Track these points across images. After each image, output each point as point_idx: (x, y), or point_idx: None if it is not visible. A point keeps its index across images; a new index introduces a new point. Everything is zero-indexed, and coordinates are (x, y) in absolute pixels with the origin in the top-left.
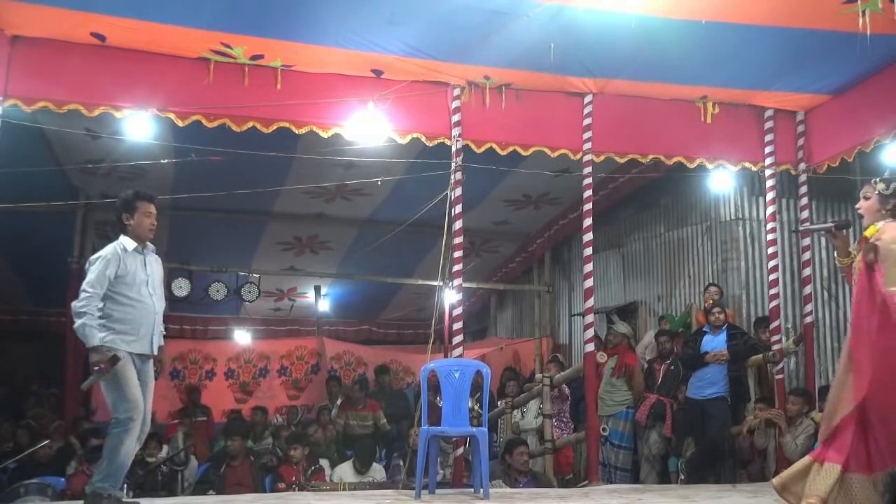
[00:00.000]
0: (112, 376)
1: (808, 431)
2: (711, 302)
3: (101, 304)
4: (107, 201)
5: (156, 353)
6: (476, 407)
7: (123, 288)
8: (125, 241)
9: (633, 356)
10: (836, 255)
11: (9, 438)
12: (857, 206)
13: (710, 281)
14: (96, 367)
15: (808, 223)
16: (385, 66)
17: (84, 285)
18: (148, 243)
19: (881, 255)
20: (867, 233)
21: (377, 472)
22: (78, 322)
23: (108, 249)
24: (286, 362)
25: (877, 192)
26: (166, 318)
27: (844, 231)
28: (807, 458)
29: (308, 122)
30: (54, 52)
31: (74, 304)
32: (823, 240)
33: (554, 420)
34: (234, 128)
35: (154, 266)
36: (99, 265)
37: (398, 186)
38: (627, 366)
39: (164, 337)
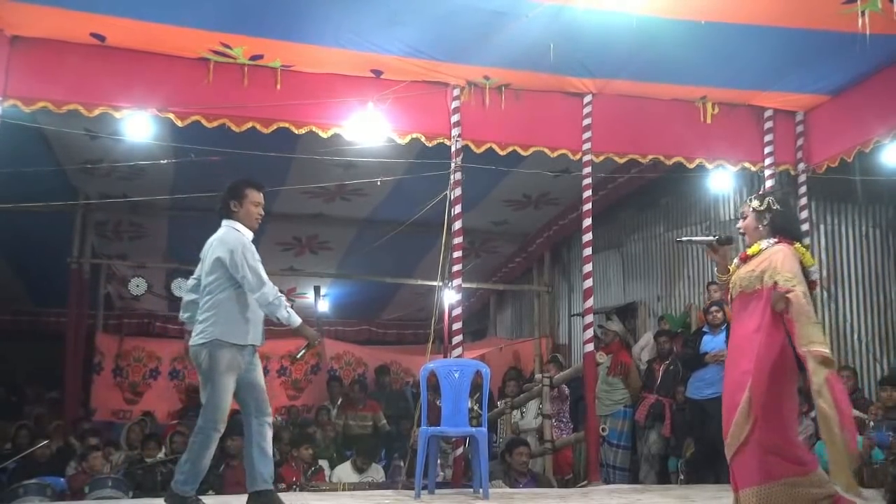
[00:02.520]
0: (212, 381)
1: (808, 431)
2: (715, 298)
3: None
4: (106, 201)
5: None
6: (475, 407)
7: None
8: (241, 228)
9: (627, 354)
10: (715, 269)
11: (8, 438)
12: (738, 225)
13: (710, 281)
14: (317, 343)
15: (691, 235)
16: (385, 66)
17: (256, 275)
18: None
19: (794, 312)
20: (750, 251)
21: (377, 472)
22: (279, 312)
23: (237, 238)
24: (286, 362)
25: (752, 209)
26: (166, 318)
27: (725, 246)
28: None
29: (307, 122)
30: (54, 53)
31: (263, 294)
32: (823, 239)
33: (554, 420)
34: (234, 128)
35: None
36: (248, 251)
37: (398, 187)
38: (623, 364)
39: (165, 337)
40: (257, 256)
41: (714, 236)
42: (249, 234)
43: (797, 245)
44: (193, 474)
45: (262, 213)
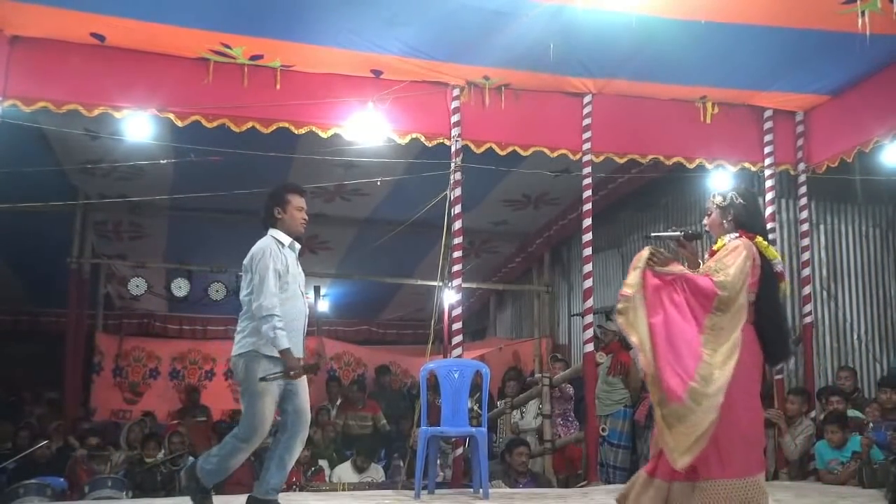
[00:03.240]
0: (249, 393)
1: (808, 432)
2: None
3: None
4: (106, 201)
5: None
6: (475, 407)
7: (283, 284)
8: (278, 235)
9: (626, 354)
10: (685, 264)
11: (8, 439)
12: (703, 222)
13: None
14: (291, 373)
15: (660, 230)
16: (385, 66)
17: (264, 287)
18: (295, 242)
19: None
20: (716, 246)
21: (377, 472)
22: (266, 325)
23: (266, 244)
24: None
25: (716, 205)
26: (166, 318)
27: (694, 242)
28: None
29: (307, 122)
30: (54, 53)
31: (260, 307)
32: (823, 239)
33: (559, 420)
34: (234, 128)
35: (298, 265)
36: (268, 262)
37: (398, 187)
38: (622, 364)
39: (165, 337)
40: (277, 265)
41: (681, 231)
42: (287, 240)
43: (759, 239)
44: (217, 471)
45: (307, 217)
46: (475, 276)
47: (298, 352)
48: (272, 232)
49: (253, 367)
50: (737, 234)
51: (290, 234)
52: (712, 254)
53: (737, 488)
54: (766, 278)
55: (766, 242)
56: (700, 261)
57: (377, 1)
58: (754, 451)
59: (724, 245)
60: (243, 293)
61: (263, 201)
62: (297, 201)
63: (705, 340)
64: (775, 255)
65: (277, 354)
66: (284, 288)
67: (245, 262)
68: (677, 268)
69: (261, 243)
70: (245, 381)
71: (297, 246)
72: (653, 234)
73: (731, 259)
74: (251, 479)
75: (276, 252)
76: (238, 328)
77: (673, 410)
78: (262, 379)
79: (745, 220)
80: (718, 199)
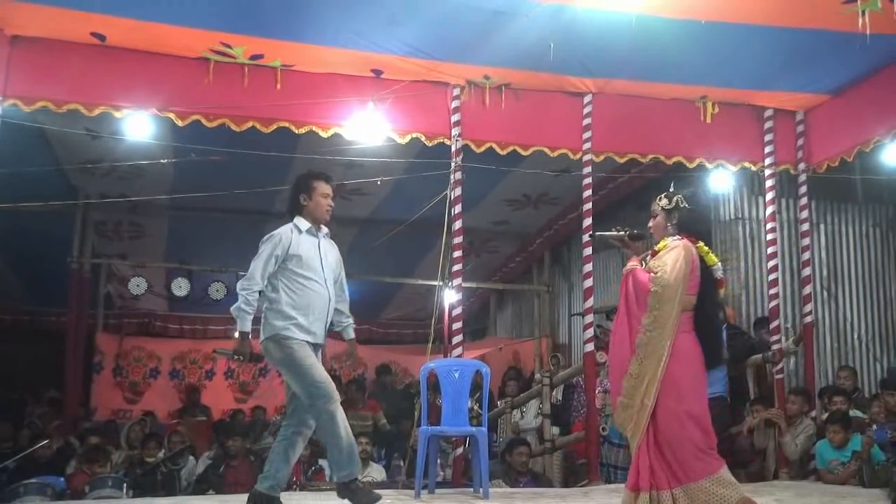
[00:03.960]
0: (291, 363)
1: (808, 431)
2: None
3: (261, 287)
4: (107, 201)
5: (323, 342)
6: (476, 407)
7: (297, 269)
8: (299, 221)
9: None
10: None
11: (8, 438)
12: (648, 224)
13: None
14: (237, 357)
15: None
16: (385, 65)
17: (252, 267)
18: (324, 227)
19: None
20: (658, 247)
21: (377, 471)
22: (236, 304)
23: (279, 230)
24: None
25: (661, 208)
26: (166, 318)
27: (637, 242)
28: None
29: (308, 121)
30: (54, 52)
31: (238, 284)
32: (823, 239)
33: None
34: (234, 128)
35: (329, 251)
36: (267, 246)
37: (398, 186)
38: None
39: (165, 337)
40: (277, 251)
41: (626, 231)
42: (306, 225)
43: (700, 244)
44: (344, 458)
45: (332, 204)
46: (475, 276)
47: (319, 338)
48: (295, 219)
49: (286, 345)
50: (679, 237)
51: (314, 221)
52: (654, 254)
53: (700, 490)
54: (706, 283)
55: (706, 248)
56: (643, 262)
57: (377, 1)
58: (708, 454)
59: (666, 246)
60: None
61: (289, 190)
62: (323, 188)
63: (634, 359)
64: (714, 260)
65: (306, 339)
66: (297, 272)
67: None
68: (631, 263)
69: (278, 229)
70: (283, 359)
71: (325, 230)
72: (597, 234)
73: (668, 257)
74: (251, 479)
75: (285, 237)
76: (263, 312)
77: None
78: (214, 351)
79: (689, 223)
80: (664, 202)
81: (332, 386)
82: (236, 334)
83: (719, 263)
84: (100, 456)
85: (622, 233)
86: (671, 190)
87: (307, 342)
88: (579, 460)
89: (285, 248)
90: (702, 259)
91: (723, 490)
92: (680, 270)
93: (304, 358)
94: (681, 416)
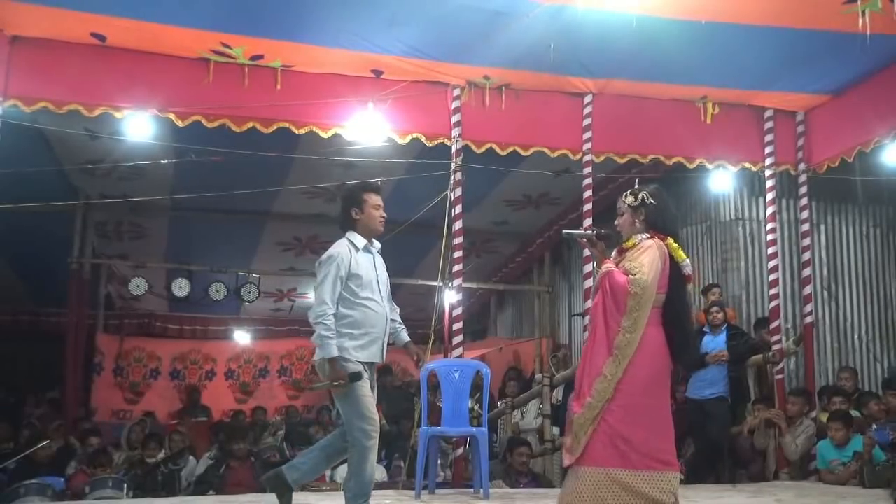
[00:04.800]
0: (346, 393)
1: (808, 432)
2: (712, 300)
3: (333, 311)
4: (107, 201)
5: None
6: (476, 407)
7: (356, 289)
8: (354, 238)
9: None
10: (594, 263)
11: (8, 439)
12: (615, 222)
13: (711, 282)
14: (335, 383)
15: (576, 228)
16: (385, 66)
17: (318, 294)
18: (375, 241)
19: (629, 297)
20: (626, 245)
21: (377, 472)
22: (315, 334)
23: (336, 249)
24: (286, 362)
25: (627, 205)
26: (166, 318)
27: (603, 242)
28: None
29: (308, 122)
30: (54, 53)
31: (311, 313)
32: (824, 239)
33: None
34: (234, 128)
35: (382, 266)
36: (329, 268)
37: (398, 187)
38: None
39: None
40: (341, 272)
41: (593, 230)
42: (362, 242)
43: (669, 240)
44: (360, 489)
45: (385, 215)
46: (476, 276)
47: (377, 357)
48: (349, 235)
49: (343, 367)
50: (648, 235)
51: (368, 235)
52: (621, 251)
53: (657, 480)
54: (676, 280)
55: (676, 244)
56: (608, 259)
57: (377, 1)
58: (661, 449)
59: (636, 244)
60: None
61: (339, 204)
62: (374, 199)
63: (611, 360)
64: (683, 256)
65: (365, 360)
66: (357, 293)
67: (317, 263)
68: (607, 264)
69: (333, 247)
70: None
71: (378, 245)
72: (565, 232)
73: (645, 258)
74: (251, 479)
75: (344, 257)
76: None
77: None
78: (310, 388)
79: (657, 220)
80: (630, 199)
81: (377, 423)
82: (316, 359)
83: (687, 260)
84: (102, 459)
85: (590, 232)
86: (636, 187)
87: (362, 362)
88: None
89: (347, 269)
90: (671, 256)
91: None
92: (656, 271)
93: (358, 385)
94: (633, 406)
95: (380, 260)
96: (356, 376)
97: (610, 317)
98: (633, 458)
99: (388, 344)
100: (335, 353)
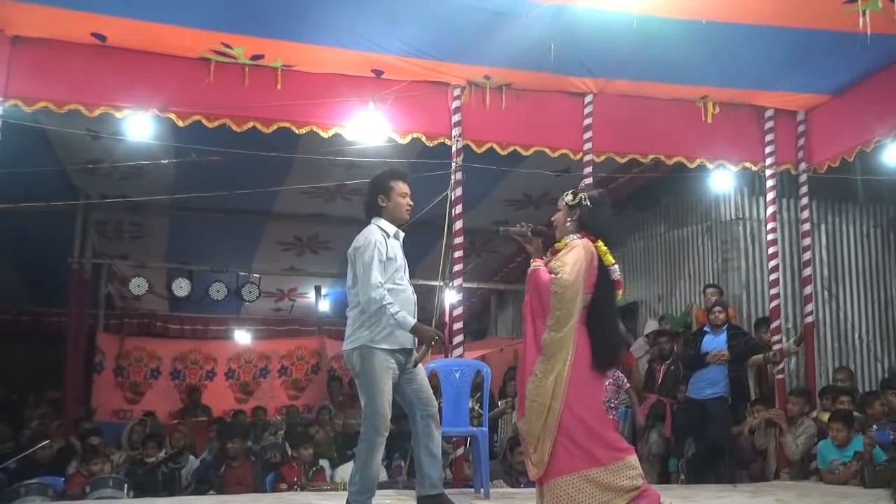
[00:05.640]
0: (366, 381)
1: (809, 431)
2: (713, 300)
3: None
4: (107, 201)
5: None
6: (476, 407)
7: (392, 273)
8: (383, 224)
9: (628, 354)
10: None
11: (9, 439)
12: (552, 216)
13: (710, 281)
14: (432, 342)
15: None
16: (385, 66)
17: (369, 280)
18: (399, 231)
19: (552, 296)
20: (558, 245)
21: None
22: (384, 316)
23: (371, 235)
24: (286, 362)
25: (565, 203)
26: (167, 318)
27: (539, 239)
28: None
29: (308, 122)
30: (55, 53)
31: (371, 301)
32: (824, 239)
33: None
34: (235, 128)
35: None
36: (372, 252)
37: None
38: (624, 364)
39: (166, 337)
40: (382, 256)
41: (529, 227)
42: (392, 229)
43: (599, 243)
44: (364, 484)
45: (412, 203)
46: (476, 276)
47: (410, 343)
48: (376, 221)
49: (368, 359)
50: (578, 235)
51: (394, 222)
52: (554, 252)
53: (623, 468)
54: (603, 283)
55: (605, 248)
56: (542, 257)
57: (377, 1)
58: (582, 449)
59: (566, 244)
60: (349, 285)
61: (366, 190)
62: (401, 187)
63: (540, 359)
64: (612, 261)
65: (392, 347)
66: (393, 278)
67: (349, 252)
68: (535, 263)
69: (365, 233)
70: (362, 374)
71: (402, 234)
72: (501, 230)
73: (569, 257)
74: (251, 479)
75: (381, 242)
76: (348, 321)
77: (522, 428)
78: (415, 362)
79: (589, 222)
80: (568, 198)
81: (387, 424)
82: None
83: (616, 265)
84: (98, 456)
85: (524, 229)
86: (580, 186)
87: (397, 350)
88: None
89: (383, 253)
90: (600, 259)
91: (591, 490)
92: (580, 270)
93: (378, 381)
94: (584, 405)
95: (399, 247)
96: (438, 331)
97: (537, 316)
98: (599, 454)
99: None
100: (413, 321)
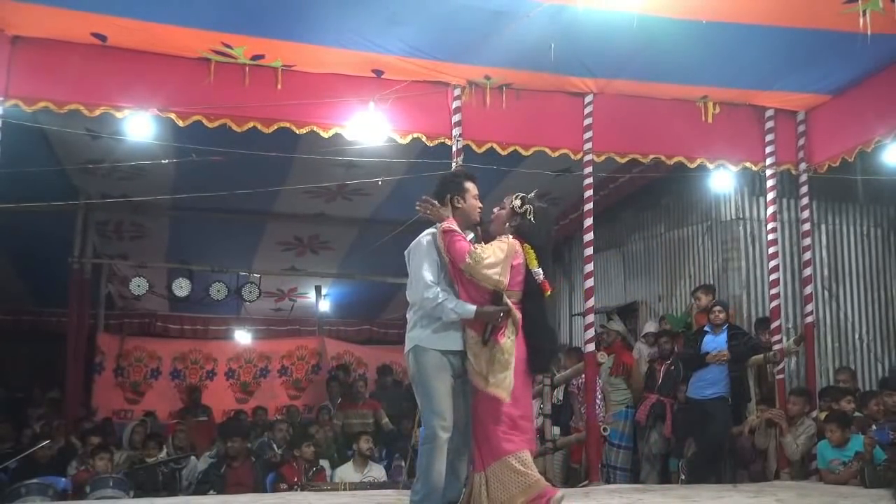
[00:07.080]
0: (422, 385)
1: (809, 431)
2: (706, 301)
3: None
4: (108, 201)
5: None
6: None
7: (449, 277)
8: (452, 225)
9: (629, 354)
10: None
11: (10, 439)
12: (493, 209)
13: (710, 282)
14: (499, 318)
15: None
16: (385, 66)
17: (420, 281)
18: (468, 232)
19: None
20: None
21: (378, 472)
22: (443, 314)
23: (423, 238)
24: (287, 362)
25: (511, 207)
26: (167, 318)
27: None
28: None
29: (308, 122)
30: (55, 53)
31: (426, 301)
32: (825, 239)
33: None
34: (235, 128)
35: None
36: (422, 259)
37: (399, 186)
38: (625, 364)
39: (166, 337)
40: (434, 256)
41: (429, 205)
42: (469, 235)
43: (527, 246)
44: (427, 492)
45: (481, 205)
46: None
47: (459, 345)
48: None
49: (422, 359)
50: (512, 236)
51: (467, 223)
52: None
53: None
54: (531, 285)
55: (533, 252)
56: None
57: (377, 1)
58: (512, 433)
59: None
60: (407, 286)
61: (435, 190)
62: (474, 189)
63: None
64: (536, 265)
65: (443, 348)
66: (450, 282)
67: (405, 253)
68: (448, 223)
69: (420, 237)
70: (416, 375)
71: (471, 235)
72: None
73: (494, 245)
74: (251, 479)
75: (431, 243)
76: (408, 324)
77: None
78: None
79: (527, 233)
80: (517, 203)
81: (448, 422)
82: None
83: (539, 270)
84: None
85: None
86: (531, 196)
87: (447, 352)
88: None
89: (434, 254)
90: (527, 262)
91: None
92: (499, 258)
93: (434, 380)
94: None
95: None
96: (497, 299)
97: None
98: (517, 440)
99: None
100: (473, 307)
